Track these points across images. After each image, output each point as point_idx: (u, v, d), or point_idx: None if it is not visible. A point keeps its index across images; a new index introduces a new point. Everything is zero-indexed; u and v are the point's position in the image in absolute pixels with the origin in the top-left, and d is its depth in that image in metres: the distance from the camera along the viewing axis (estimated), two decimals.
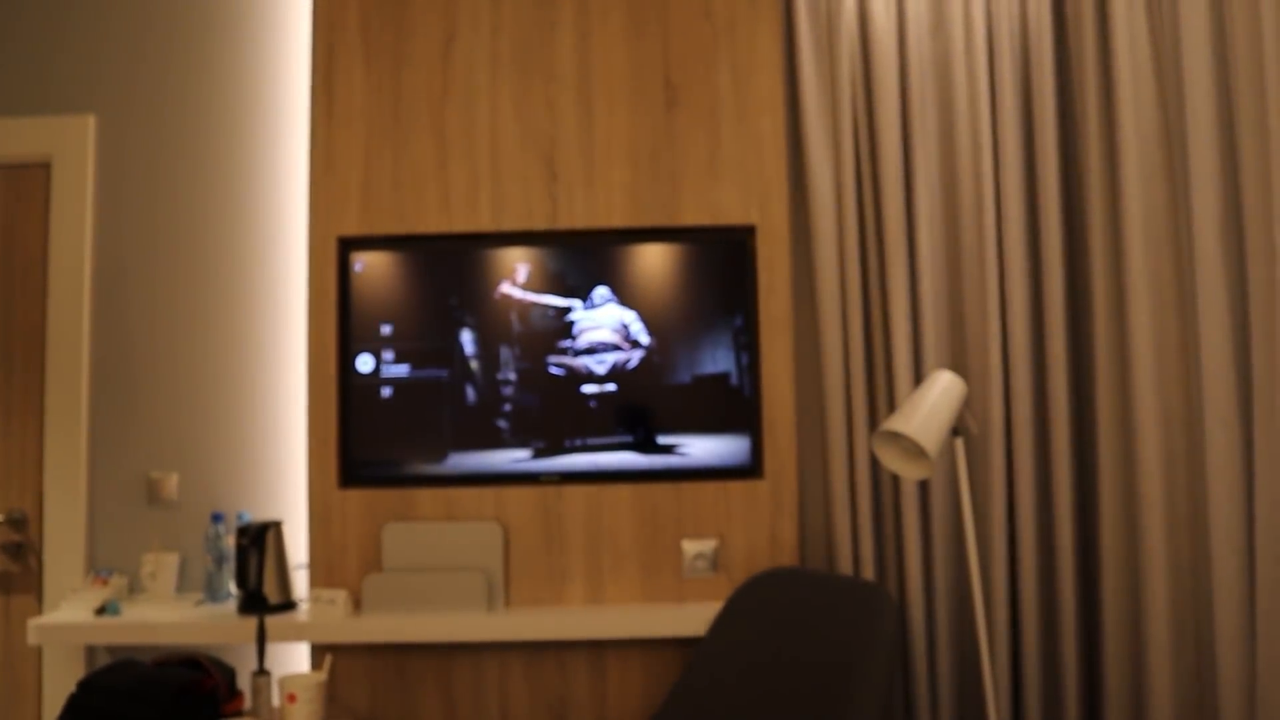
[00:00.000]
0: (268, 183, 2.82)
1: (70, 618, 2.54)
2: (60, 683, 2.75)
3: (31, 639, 2.50)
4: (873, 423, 2.64)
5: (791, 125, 2.70)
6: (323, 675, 1.96)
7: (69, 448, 2.79)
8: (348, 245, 2.59)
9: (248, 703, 2.58)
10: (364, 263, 2.57)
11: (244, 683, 2.73)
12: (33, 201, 2.90)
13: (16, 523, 2.83)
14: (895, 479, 2.61)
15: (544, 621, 2.40)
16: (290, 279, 2.80)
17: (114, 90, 2.88)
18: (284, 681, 1.93)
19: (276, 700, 2.40)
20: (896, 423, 2.21)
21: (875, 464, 2.63)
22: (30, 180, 2.91)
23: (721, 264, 2.55)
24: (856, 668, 1.91)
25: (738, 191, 2.59)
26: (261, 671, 2.22)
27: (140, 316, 2.82)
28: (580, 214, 2.59)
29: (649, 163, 2.60)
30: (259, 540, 2.51)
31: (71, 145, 2.86)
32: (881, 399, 2.62)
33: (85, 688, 2.00)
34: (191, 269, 2.82)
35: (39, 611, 2.81)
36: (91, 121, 2.87)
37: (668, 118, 2.60)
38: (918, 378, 2.60)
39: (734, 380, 2.54)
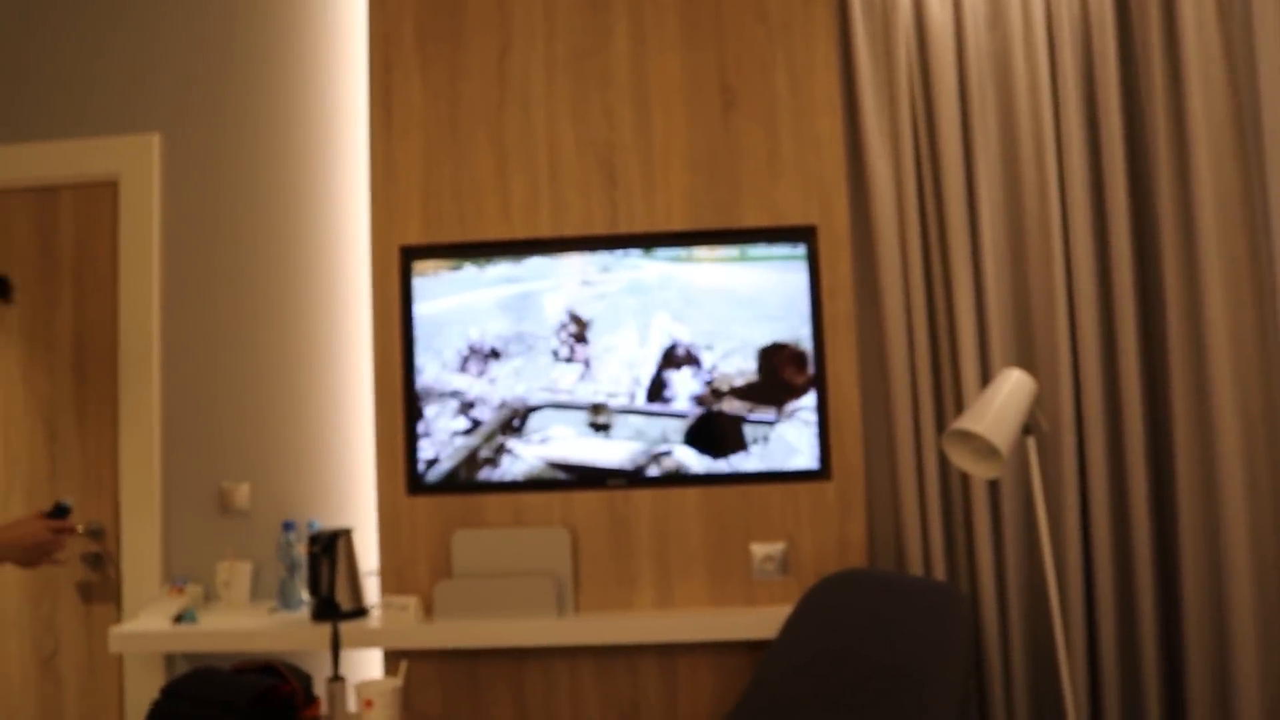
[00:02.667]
0: (329, 194, 2.86)
1: (149, 626, 2.60)
2: (141, 689, 2.81)
3: (113, 647, 2.56)
4: (940, 422, 2.61)
5: (849, 124, 2.68)
6: (398, 681, 1.98)
7: (143, 460, 2.84)
8: (410, 254, 2.62)
9: (324, 708, 2.62)
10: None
11: (319, 689, 2.77)
12: (102, 219, 2.97)
13: (95, 534, 2.90)
14: (963, 478, 2.58)
15: (614, 625, 2.41)
16: (354, 289, 2.83)
17: (177, 109, 2.94)
18: (361, 687, 1.95)
19: (351, 706, 2.43)
20: (967, 422, 2.19)
21: (943, 463, 2.61)
22: (100, 198, 2.98)
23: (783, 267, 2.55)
24: (931, 671, 1.89)
25: (797, 192, 2.58)
26: (336, 677, 2.25)
27: (208, 330, 2.88)
28: (640, 218, 2.59)
29: (708, 165, 2.59)
30: (330, 548, 2.54)
31: (137, 163, 2.92)
32: (948, 397, 2.60)
33: (168, 694, 2.04)
34: (256, 281, 2.87)
35: (119, 620, 2.87)
36: (156, 140, 2.93)
37: (725, 120, 2.60)
38: (984, 375, 2.57)
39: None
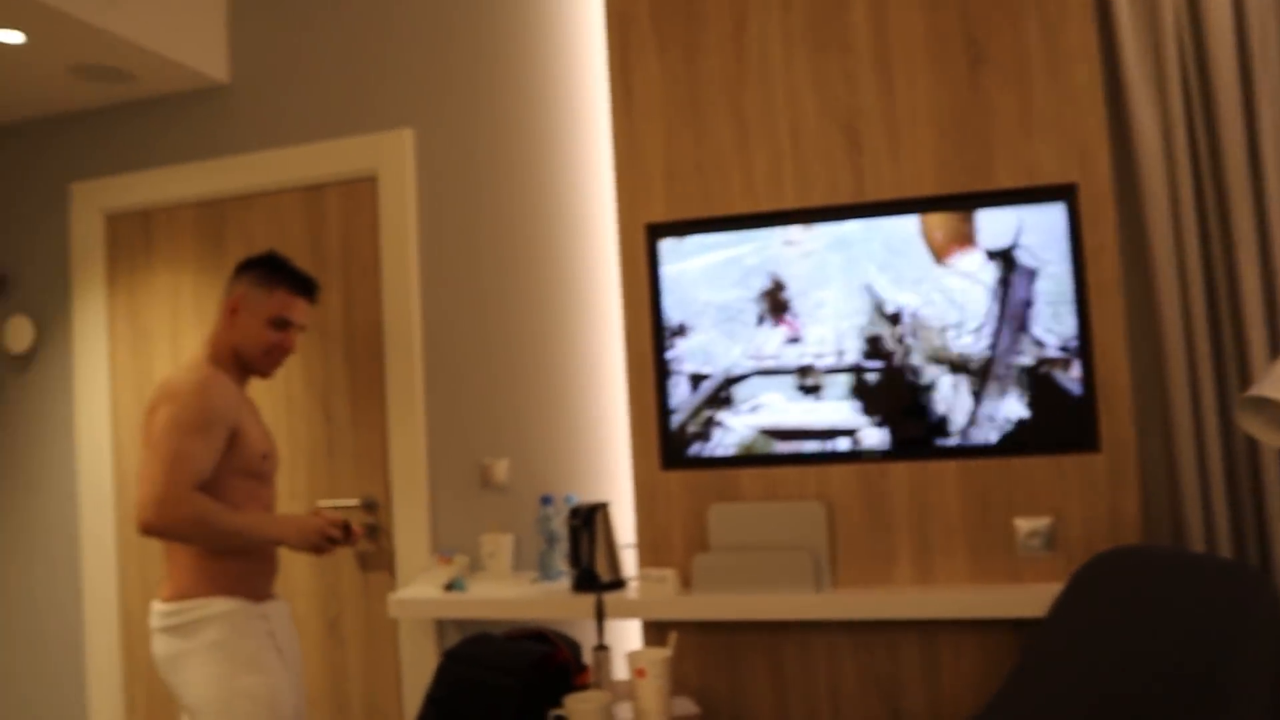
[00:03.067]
0: (574, 176, 2.94)
1: (422, 593, 2.76)
2: (415, 650, 3.00)
3: (391, 612, 2.74)
4: (1220, 388, 2.43)
5: (1108, 73, 2.52)
6: (668, 651, 2.03)
7: (410, 439, 3.02)
8: (655, 231, 2.66)
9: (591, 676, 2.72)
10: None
11: (585, 657, 2.87)
12: (364, 213, 3.16)
13: (370, 507, 3.11)
14: (1250, 447, 2.39)
15: (873, 601, 2.38)
16: (604, 267, 2.90)
17: (427, 104, 3.09)
18: (633, 656, 2.01)
19: (615, 674, 2.51)
20: (1265, 388, 2.03)
21: (1227, 433, 2.43)
22: (361, 194, 3.17)
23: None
24: (1231, 659, 1.76)
25: (1054, 149, 2.44)
26: (601, 646, 2.32)
27: (465, 313, 3.02)
28: (887, 185, 2.53)
29: (956, 126, 2.50)
30: (589, 521, 2.62)
31: (393, 158, 3.09)
32: (1230, 365, 2.41)
33: (451, 657, 2.17)
34: (509, 264, 2.99)
35: (394, 587, 3.07)
36: (409, 135, 3.09)
37: (972, 77, 2.49)
38: (1273, 336, 2.37)
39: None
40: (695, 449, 2.60)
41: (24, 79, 3.25)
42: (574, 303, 2.93)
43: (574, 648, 2.26)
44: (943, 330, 2.47)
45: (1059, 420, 2.42)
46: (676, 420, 2.62)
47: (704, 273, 2.61)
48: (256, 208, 3.30)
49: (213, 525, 2.18)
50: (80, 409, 3.48)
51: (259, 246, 3.29)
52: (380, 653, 3.10)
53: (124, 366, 3.46)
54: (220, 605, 2.27)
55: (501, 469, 2.96)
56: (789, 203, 2.58)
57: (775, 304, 2.57)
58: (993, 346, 2.45)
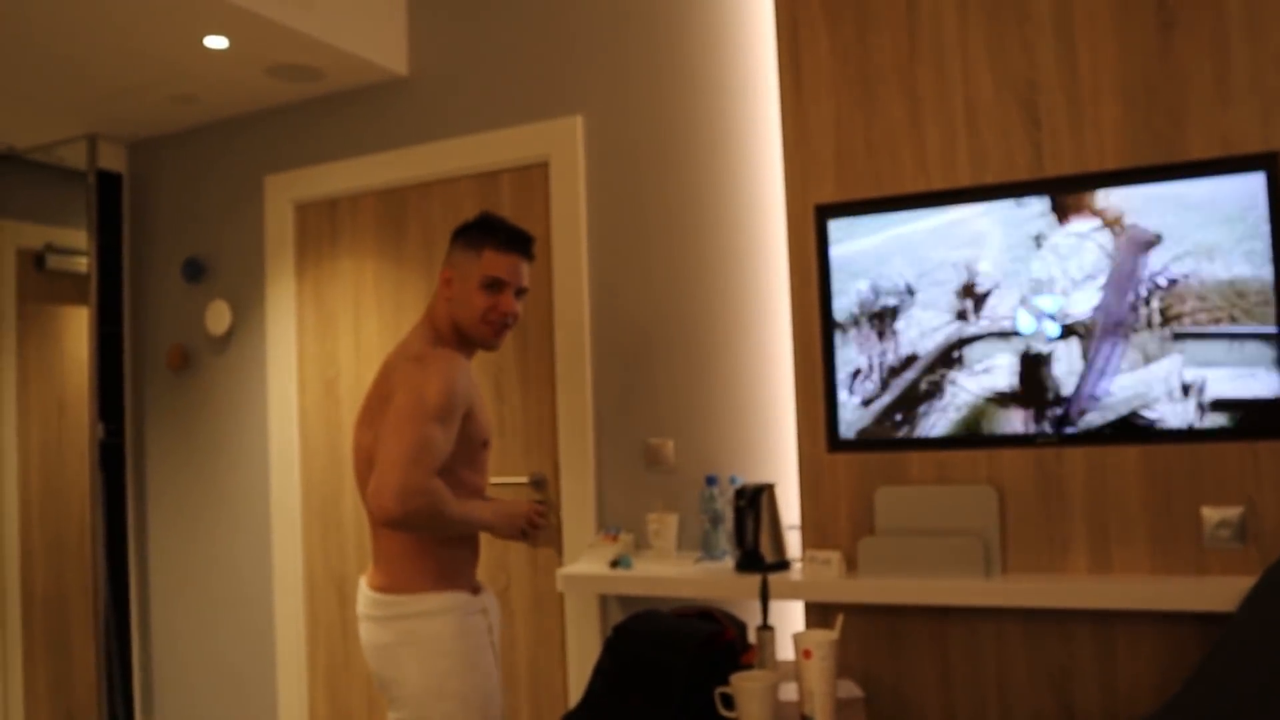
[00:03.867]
0: (742, 157, 2.94)
1: (589, 569, 2.83)
2: (579, 623, 3.08)
3: (559, 587, 2.82)
4: None
5: None
6: (835, 634, 2.01)
7: (578, 417, 3.10)
8: (824, 212, 2.63)
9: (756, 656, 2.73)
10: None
11: (749, 637, 2.89)
12: (536, 198, 3.25)
13: (539, 484, 3.20)
14: None
15: (1046, 589, 2.30)
16: (771, 249, 2.89)
17: (596, 91, 3.15)
18: (800, 637, 2.00)
19: (779, 655, 2.50)
20: None
21: None
22: (533, 179, 3.26)
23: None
24: None
25: (1254, 116, 2.29)
26: (765, 626, 2.33)
27: (633, 295, 3.07)
28: (1067, 159, 2.43)
29: (1143, 95, 2.38)
30: (754, 502, 2.63)
31: (564, 144, 3.16)
32: None
33: (620, 632, 2.21)
34: (677, 246, 3.02)
35: (560, 563, 3.16)
36: (579, 121, 3.15)
37: (1162, 43, 2.37)
38: None
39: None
40: (923, 409, 2.52)
41: (226, 81, 3.47)
42: (741, 285, 2.94)
43: (740, 627, 2.27)
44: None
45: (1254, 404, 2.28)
46: (856, 401, 2.59)
47: (887, 249, 2.57)
48: (434, 195, 3.43)
49: (444, 514, 2.10)
50: (272, 387, 3.71)
51: (437, 232, 3.42)
52: (546, 625, 3.19)
53: (310, 348, 3.67)
54: (442, 601, 2.19)
55: (668, 449, 2.99)
56: (963, 180, 2.52)
57: (964, 285, 2.51)
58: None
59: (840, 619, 2.08)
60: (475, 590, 2.31)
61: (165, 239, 4.09)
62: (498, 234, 2.24)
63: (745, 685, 1.97)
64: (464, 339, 2.27)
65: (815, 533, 2.63)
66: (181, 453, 4.01)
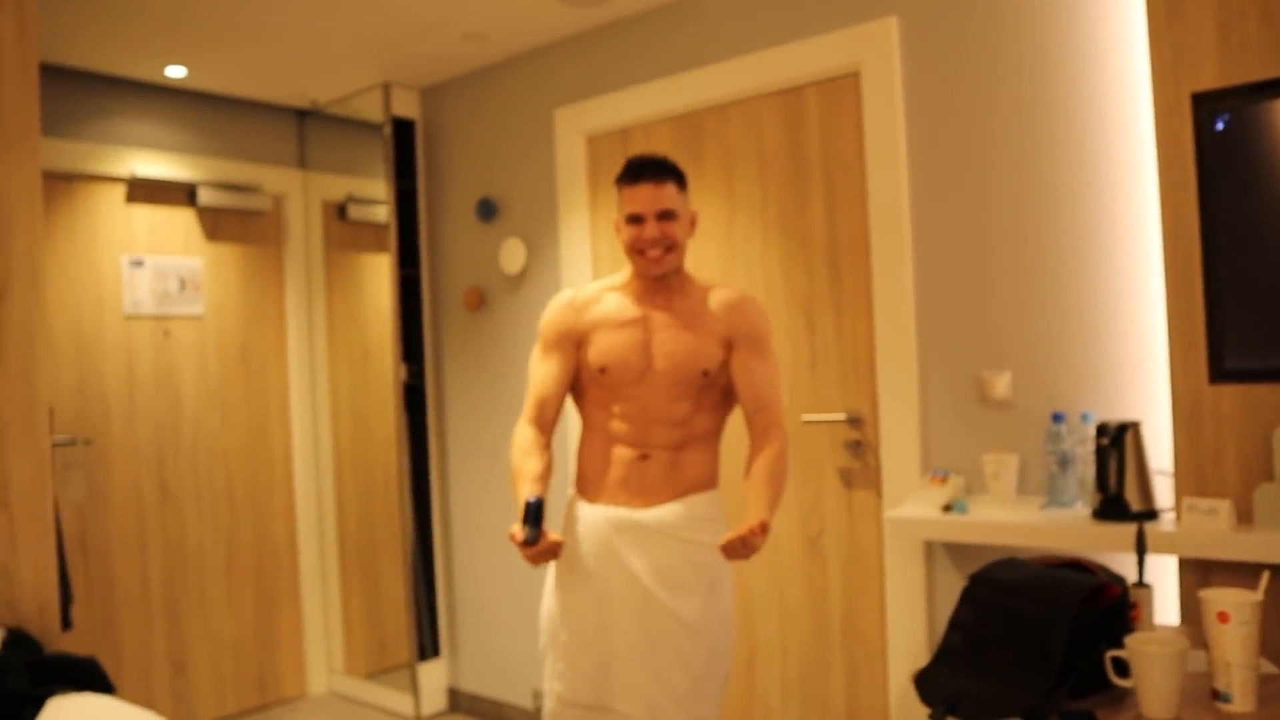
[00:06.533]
0: (1090, 45, 2.56)
1: (917, 513, 2.60)
2: (900, 572, 2.85)
3: (886, 531, 2.61)
4: None
5: None
6: (1259, 595, 1.70)
7: (899, 350, 2.84)
8: (1203, 101, 2.24)
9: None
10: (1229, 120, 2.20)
11: None
12: (846, 113, 2.99)
13: (855, 422, 2.98)
14: None
15: None
16: (1128, 152, 2.52)
17: None
18: (1210, 598, 1.70)
19: (1158, 617, 2.19)
20: None
21: None
22: (842, 92, 3.00)
23: None
24: None
25: None
26: (1142, 584, 2.02)
27: (960, 212, 2.77)
28: None
29: None
30: (1118, 441, 2.31)
31: (877, 52, 2.88)
32: None
33: (981, 583, 1.98)
34: (1012, 154, 2.68)
35: (878, 507, 2.94)
36: (893, 24, 2.86)
37: None
38: None
39: None
40: None
41: (516, 13, 3.41)
42: (1092, 192, 2.57)
43: (1119, 582, 1.99)
44: None
45: None
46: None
47: None
48: (732, 116, 3.24)
49: (511, 453, 2.38)
50: None
51: (736, 155, 3.24)
52: (862, 572, 2.99)
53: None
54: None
55: (1003, 382, 2.69)
56: None
57: None
58: None
59: (1266, 577, 1.76)
60: (592, 499, 2.38)
61: (458, 181, 4.13)
62: (624, 172, 2.36)
63: (1148, 650, 1.70)
64: (636, 271, 2.39)
65: (1193, 478, 2.27)
66: (479, 392, 4.06)
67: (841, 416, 2.99)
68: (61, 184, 3.80)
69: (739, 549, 2.04)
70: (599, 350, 2.34)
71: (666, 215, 2.30)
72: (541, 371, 2.41)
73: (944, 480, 2.71)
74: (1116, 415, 2.50)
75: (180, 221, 4.18)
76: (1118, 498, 2.32)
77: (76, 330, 3.85)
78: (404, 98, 4.15)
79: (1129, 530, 2.21)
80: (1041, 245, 2.64)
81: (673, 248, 2.31)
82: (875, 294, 2.89)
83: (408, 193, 4.17)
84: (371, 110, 4.16)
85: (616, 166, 3.55)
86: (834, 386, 3.03)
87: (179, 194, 4.16)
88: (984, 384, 2.72)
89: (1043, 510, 2.50)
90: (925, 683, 1.91)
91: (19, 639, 2.40)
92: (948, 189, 2.78)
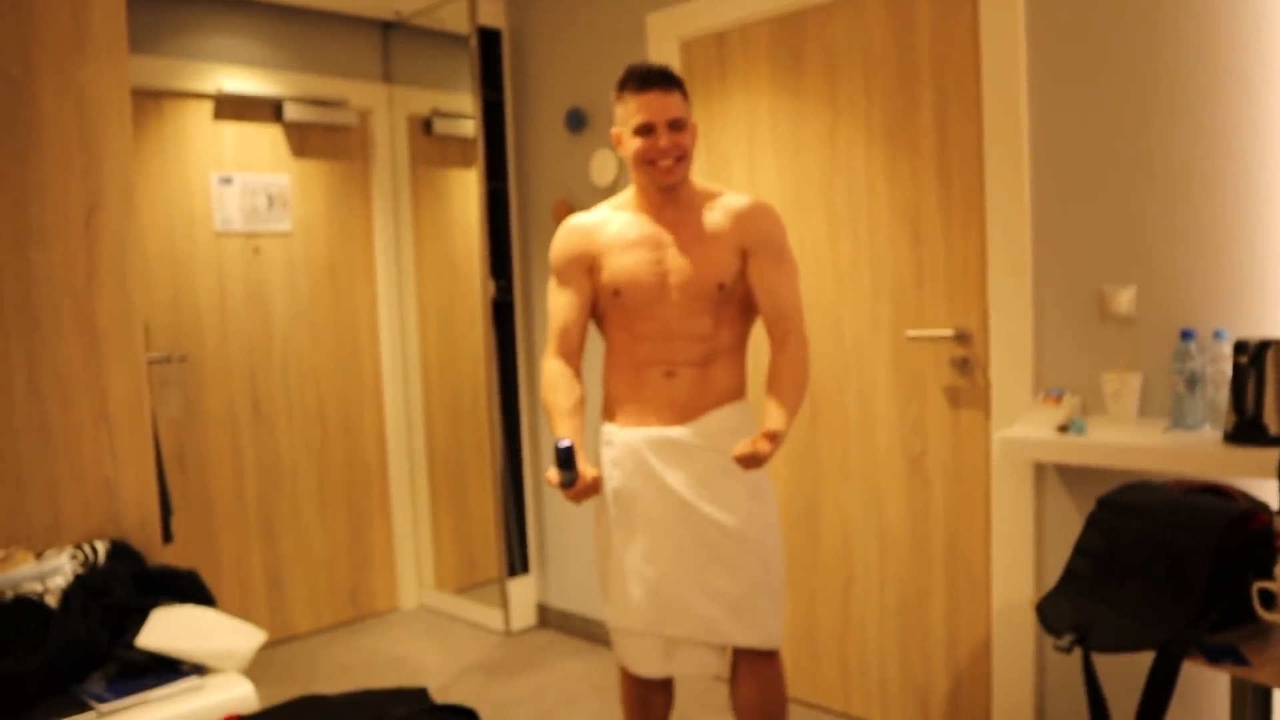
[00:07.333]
0: None
1: (1031, 434, 2.48)
2: (1007, 494, 2.74)
3: (995, 451, 2.49)
4: None
5: None
6: None
7: (1012, 263, 2.69)
8: None
9: None
10: None
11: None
12: (960, 14, 2.79)
13: (962, 338, 2.85)
14: None
15: None
16: (1270, 47, 2.31)
17: None
18: None
19: None
20: None
21: None
22: None
23: None
24: None
25: None
26: None
27: (1082, 116, 2.58)
28: None
29: None
30: (1258, 360, 2.15)
31: None
32: None
33: (1111, 507, 1.87)
34: (1142, 57, 2.48)
35: (985, 427, 2.82)
36: None
37: None
38: None
39: None
40: None
41: None
42: (1227, 92, 2.36)
43: (1263, 509, 1.86)
44: None
45: None
46: None
47: None
48: (836, 18, 3.06)
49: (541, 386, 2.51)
50: None
51: (839, 60, 3.07)
52: (966, 495, 2.88)
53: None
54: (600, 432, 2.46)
55: (1126, 297, 2.53)
56: None
57: None
58: None
59: None
60: (622, 423, 2.38)
61: (546, 92, 4.02)
62: (630, 79, 2.28)
63: None
64: (643, 185, 2.35)
65: None
66: None
67: (948, 332, 2.85)
68: (150, 101, 3.79)
69: (750, 460, 2.06)
70: (611, 272, 2.34)
71: (676, 124, 2.27)
72: (560, 301, 2.41)
73: (1058, 400, 2.59)
74: (1253, 333, 2.34)
75: (267, 138, 4.15)
76: (1255, 420, 2.17)
77: (169, 248, 3.87)
78: (489, 7, 4.03)
79: (1267, 455, 2.07)
80: (1171, 150, 2.45)
81: (683, 157, 2.29)
82: (988, 204, 2.73)
83: (494, 105, 4.07)
84: (456, 21, 4.05)
85: (713, 72, 3.44)
86: (940, 302, 2.89)
87: (265, 110, 4.13)
88: (1105, 299, 2.56)
89: (1165, 433, 2.36)
90: (1049, 610, 1.82)
91: (123, 551, 2.43)
92: (1072, 91, 2.59)
